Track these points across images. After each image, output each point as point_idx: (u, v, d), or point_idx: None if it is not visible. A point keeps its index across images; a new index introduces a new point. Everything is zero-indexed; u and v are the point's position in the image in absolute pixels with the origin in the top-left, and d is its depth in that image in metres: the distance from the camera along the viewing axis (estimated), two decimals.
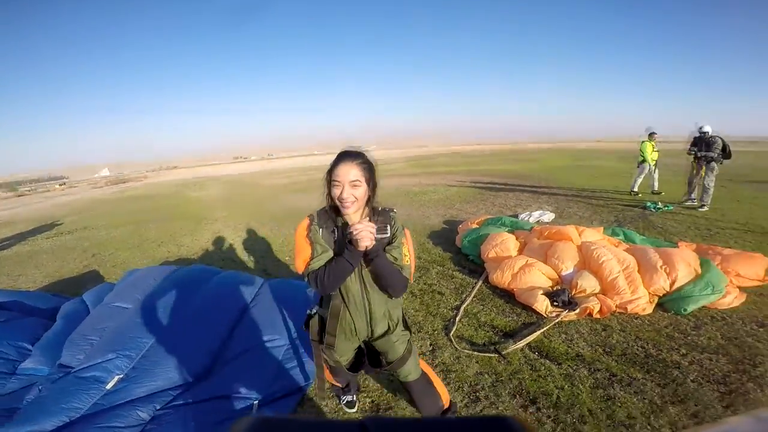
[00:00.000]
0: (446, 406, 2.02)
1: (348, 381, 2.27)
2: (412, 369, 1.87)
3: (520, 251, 4.34)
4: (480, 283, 3.99)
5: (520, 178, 13.48)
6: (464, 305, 3.54)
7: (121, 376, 2.40)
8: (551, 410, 2.24)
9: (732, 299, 3.30)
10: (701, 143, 7.41)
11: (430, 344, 3.00)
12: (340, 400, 2.40)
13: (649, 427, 2.09)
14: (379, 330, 1.76)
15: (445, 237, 5.91)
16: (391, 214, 1.67)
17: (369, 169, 1.55)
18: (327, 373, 2.20)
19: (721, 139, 7.24)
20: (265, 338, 2.78)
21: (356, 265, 1.54)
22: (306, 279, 1.58)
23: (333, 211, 1.60)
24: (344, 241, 1.52)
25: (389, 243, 1.63)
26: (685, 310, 3.19)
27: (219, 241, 6.73)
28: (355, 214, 1.57)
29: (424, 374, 1.94)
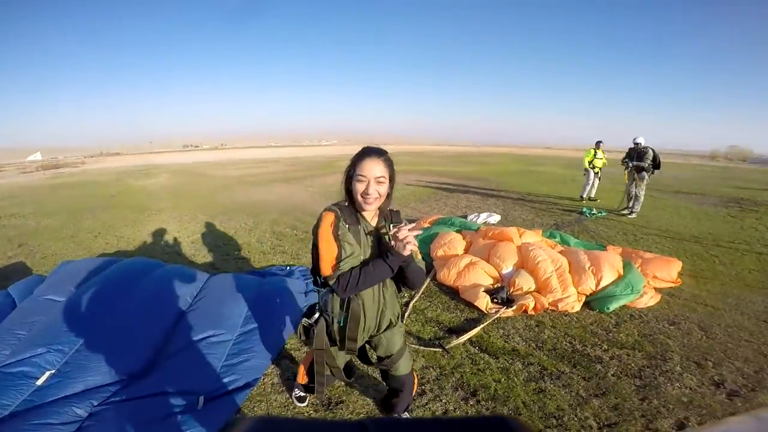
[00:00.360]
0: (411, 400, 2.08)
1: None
2: (406, 362, 1.89)
3: (466, 250, 4.55)
4: (428, 280, 4.13)
5: (474, 180, 13.96)
6: (413, 302, 3.65)
7: (53, 371, 2.30)
8: (489, 402, 2.38)
9: (648, 299, 3.67)
10: (634, 154, 7.90)
11: None
12: (291, 394, 2.41)
13: (575, 418, 2.25)
14: (385, 324, 1.76)
15: None
16: (399, 213, 1.69)
17: (391, 167, 1.54)
18: (301, 374, 2.20)
19: (652, 150, 7.73)
20: (210, 333, 2.74)
21: (396, 271, 1.52)
22: (334, 281, 1.50)
23: (354, 208, 1.56)
24: (378, 244, 1.57)
25: None
26: (608, 308, 3.49)
27: (163, 233, 6.43)
28: (371, 211, 1.58)
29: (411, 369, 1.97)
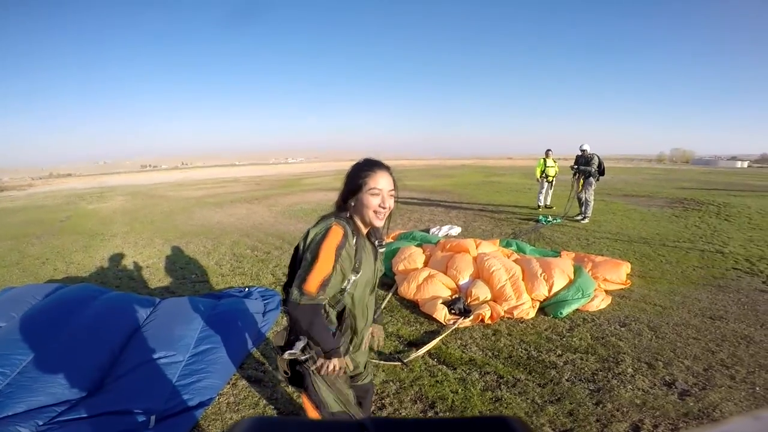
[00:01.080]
0: None
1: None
2: (371, 368, 1.88)
3: (426, 264, 4.59)
4: (390, 295, 4.12)
5: (437, 193, 14.12)
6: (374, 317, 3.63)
7: None
8: (447, 414, 2.36)
9: (599, 302, 3.79)
10: (582, 160, 8.32)
11: None
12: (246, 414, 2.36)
13: (531, 426, 2.22)
14: (366, 333, 1.69)
15: None
16: (380, 230, 1.60)
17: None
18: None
19: (597, 156, 8.18)
20: (161, 354, 2.73)
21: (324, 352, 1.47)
22: (306, 301, 1.35)
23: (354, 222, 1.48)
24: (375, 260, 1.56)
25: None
26: (561, 313, 3.58)
27: (117, 258, 6.15)
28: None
29: None
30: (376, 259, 1.58)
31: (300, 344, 1.49)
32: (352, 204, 1.45)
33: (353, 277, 1.46)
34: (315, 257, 1.36)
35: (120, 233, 8.20)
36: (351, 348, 1.63)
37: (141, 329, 3.03)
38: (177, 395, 2.45)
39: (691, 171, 28.11)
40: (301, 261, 1.45)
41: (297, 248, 1.53)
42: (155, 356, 2.71)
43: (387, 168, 1.47)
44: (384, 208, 1.42)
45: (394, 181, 1.47)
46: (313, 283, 1.35)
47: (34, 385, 2.35)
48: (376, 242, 1.60)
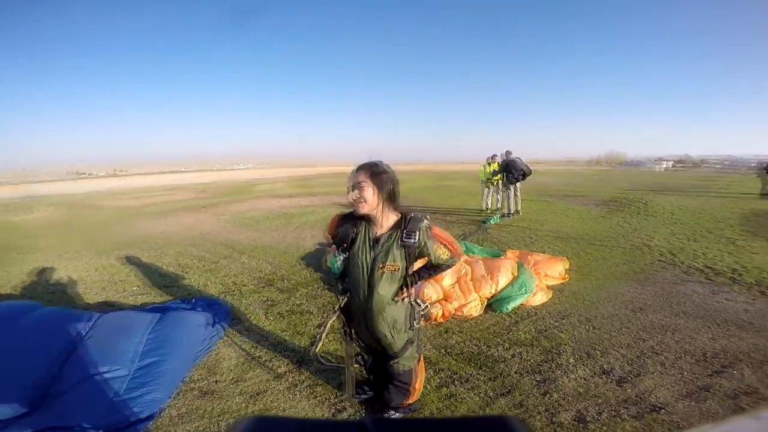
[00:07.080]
0: None
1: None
2: None
3: None
4: (345, 299, 4.11)
5: None
6: (329, 321, 3.62)
7: None
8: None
9: (541, 297, 4.03)
10: (505, 164, 9.25)
11: (296, 360, 3.04)
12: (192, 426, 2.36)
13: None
14: None
15: (316, 259, 5.88)
16: (420, 224, 1.86)
17: (377, 174, 1.76)
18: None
19: (520, 160, 9.19)
20: (104, 369, 2.65)
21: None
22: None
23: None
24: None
25: (421, 250, 1.88)
26: (506, 309, 3.77)
27: (45, 273, 5.65)
28: (379, 217, 1.84)
29: None
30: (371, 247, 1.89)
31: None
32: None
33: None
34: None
35: (48, 246, 7.50)
36: None
37: (81, 344, 2.91)
38: (123, 409, 2.40)
39: (626, 172, 30.29)
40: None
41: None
42: (99, 371, 2.63)
43: (363, 167, 1.79)
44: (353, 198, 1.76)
45: (373, 175, 1.75)
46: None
47: None
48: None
